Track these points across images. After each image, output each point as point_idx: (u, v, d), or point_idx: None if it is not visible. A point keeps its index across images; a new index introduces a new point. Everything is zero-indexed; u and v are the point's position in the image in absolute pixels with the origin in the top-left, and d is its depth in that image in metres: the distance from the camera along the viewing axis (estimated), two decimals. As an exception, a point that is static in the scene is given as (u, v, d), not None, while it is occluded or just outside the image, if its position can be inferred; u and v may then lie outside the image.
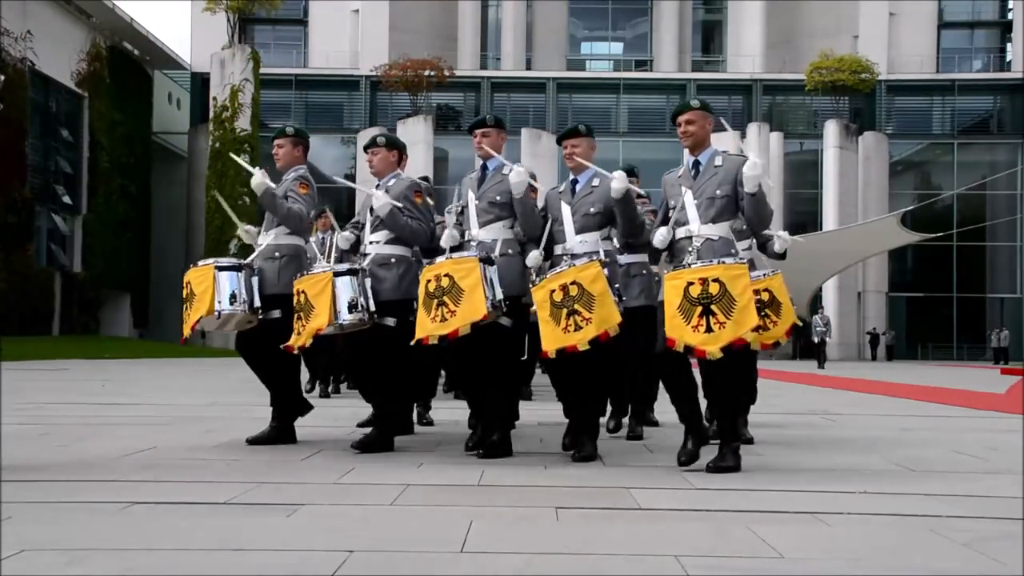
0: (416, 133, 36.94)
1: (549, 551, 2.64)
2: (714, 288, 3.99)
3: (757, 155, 4.43)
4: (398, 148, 5.26)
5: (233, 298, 4.94)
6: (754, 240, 5.44)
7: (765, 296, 4.93)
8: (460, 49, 42.23)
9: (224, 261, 5.08)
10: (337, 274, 4.74)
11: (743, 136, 38.98)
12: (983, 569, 2.52)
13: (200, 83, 38.76)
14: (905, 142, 42.36)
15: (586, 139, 4.85)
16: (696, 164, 4.51)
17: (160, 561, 2.50)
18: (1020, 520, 3.15)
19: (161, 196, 38.55)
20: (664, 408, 6.63)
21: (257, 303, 5.02)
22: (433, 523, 3.05)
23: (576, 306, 4.27)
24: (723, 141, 36.09)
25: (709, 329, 3.97)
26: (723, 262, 4.09)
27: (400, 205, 4.90)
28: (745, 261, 4.17)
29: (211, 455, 4.68)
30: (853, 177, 39.14)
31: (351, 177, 36.46)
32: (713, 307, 3.98)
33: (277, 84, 39.33)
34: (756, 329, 4.82)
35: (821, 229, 36.94)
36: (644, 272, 5.77)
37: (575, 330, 4.27)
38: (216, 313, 4.91)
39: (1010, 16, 43.65)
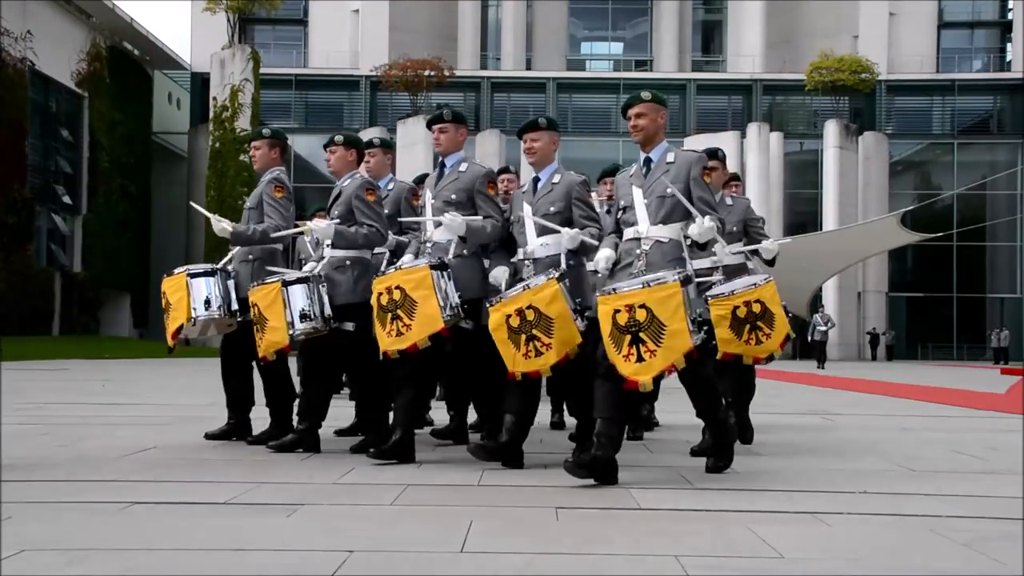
0: (416, 133, 36.93)
1: (549, 551, 2.64)
2: (641, 315, 3.69)
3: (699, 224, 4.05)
4: (356, 147, 5.19)
5: (208, 303, 4.96)
6: (745, 241, 5.37)
7: (756, 308, 4.74)
8: (460, 49, 42.23)
9: (196, 268, 5.11)
10: (286, 283, 4.70)
11: (743, 136, 39.04)
12: (983, 569, 2.52)
13: (200, 83, 38.77)
14: (905, 142, 42.36)
15: (547, 132, 4.62)
16: (647, 161, 4.25)
17: (160, 561, 2.50)
18: (1020, 520, 3.15)
19: (161, 196, 38.56)
20: (663, 407, 6.64)
21: (235, 306, 5.04)
22: (433, 523, 3.05)
23: (534, 331, 4.05)
24: (723, 141, 36.20)
25: (640, 359, 3.69)
26: (648, 285, 3.75)
27: (340, 228, 4.84)
28: (678, 278, 3.76)
29: (211, 455, 4.68)
30: (853, 177, 39.15)
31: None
32: (642, 335, 3.69)
33: (277, 84, 39.34)
34: (747, 342, 4.71)
35: (821, 229, 36.95)
36: None
37: (536, 356, 4.06)
38: (192, 320, 4.93)
39: (1010, 16, 43.65)
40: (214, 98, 35.37)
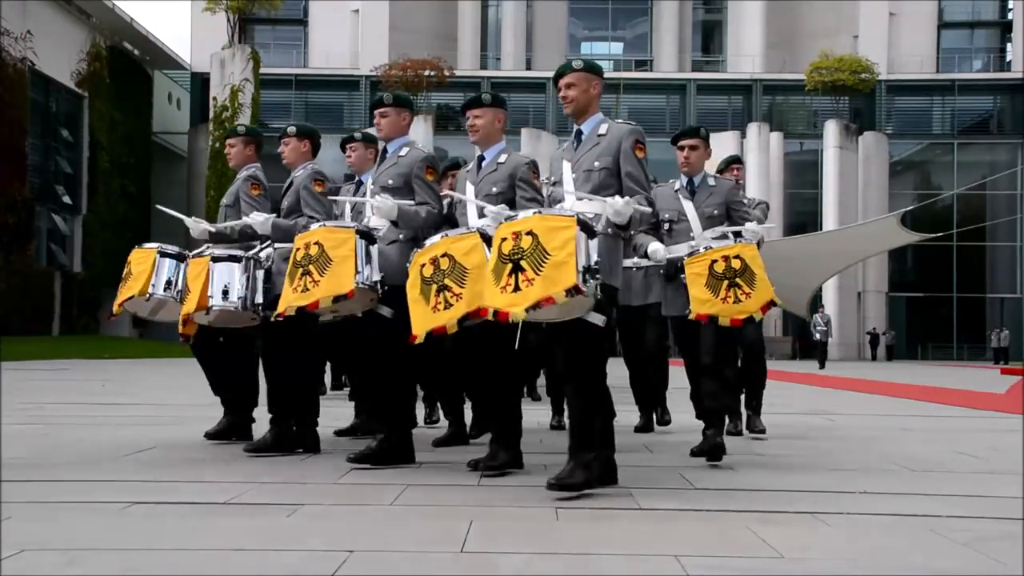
0: (416, 133, 36.95)
1: (549, 551, 2.64)
2: (527, 242, 3.33)
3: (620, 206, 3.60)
4: (309, 138, 5.11)
5: (168, 285, 4.92)
6: (727, 225, 4.97)
7: (736, 264, 4.42)
8: (460, 49, 42.25)
9: (169, 248, 5.06)
10: (216, 259, 4.63)
11: (743, 136, 39.04)
12: (983, 569, 2.52)
13: (200, 83, 38.78)
14: (905, 142, 42.38)
15: (492, 110, 4.34)
16: (579, 134, 3.95)
17: (160, 561, 2.50)
18: (1020, 520, 3.15)
19: (161, 196, 38.41)
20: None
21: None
22: (433, 523, 3.05)
23: (446, 280, 3.71)
24: (723, 141, 36.19)
25: (517, 288, 3.31)
26: (539, 212, 3.45)
27: (276, 221, 4.81)
28: (575, 215, 3.40)
29: (211, 455, 4.68)
30: (853, 177, 39.16)
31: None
32: (523, 263, 3.32)
33: (277, 84, 39.34)
34: (725, 300, 4.39)
35: (821, 229, 36.96)
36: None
37: (444, 308, 3.69)
38: (147, 295, 4.89)
39: (1010, 16, 43.67)
40: (214, 98, 35.36)
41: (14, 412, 6.93)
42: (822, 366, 24.00)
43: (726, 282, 4.42)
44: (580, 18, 45.73)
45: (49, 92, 31.96)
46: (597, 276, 3.40)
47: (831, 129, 39.02)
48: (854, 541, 2.84)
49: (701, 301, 4.48)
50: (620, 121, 3.96)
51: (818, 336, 25.13)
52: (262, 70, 36.40)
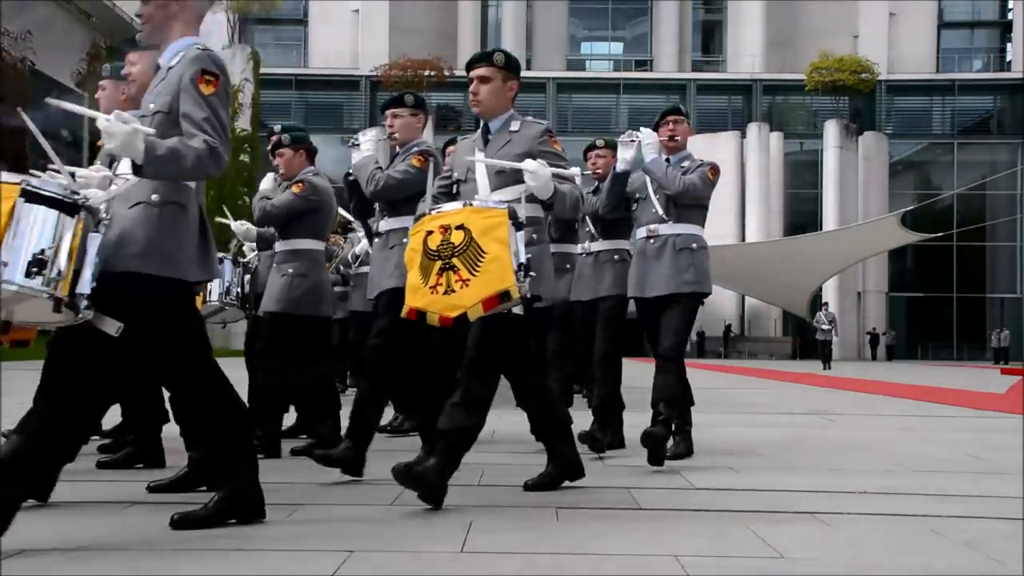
0: (416, 133, 36.99)
1: (549, 551, 2.64)
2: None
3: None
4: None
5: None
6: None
7: (457, 237, 3.12)
8: (460, 49, 42.27)
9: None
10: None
11: (743, 136, 39.07)
12: (983, 569, 2.52)
13: (200, 83, 38.84)
14: (905, 142, 42.43)
15: (143, 53, 3.55)
16: (156, 68, 3.14)
17: (160, 561, 2.49)
18: (1020, 520, 3.15)
19: (161, 196, 38.57)
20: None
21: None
22: (433, 523, 3.04)
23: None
24: (723, 141, 36.22)
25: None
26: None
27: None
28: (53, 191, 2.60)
29: (211, 455, 4.67)
30: (853, 177, 39.20)
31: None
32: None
33: (277, 84, 39.36)
34: (434, 289, 3.14)
35: (821, 229, 37.00)
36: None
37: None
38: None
39: (1010, 16, 43.75)
40: (214, 98, 35.40)
41: (14, 412, 6.92)
42: (826, 366, 23.01)
43: (439, 263, 3.14)
44: (580, 18, 45.78)
45: (49, 92, 32.01)
46: (79, 305, 2.61)
47: (831, 129, 39.07)
48: (854, 541, 2.84)
49: (413, 289, 3.23)
50: (200, 47, 2.98)
51: (821, 336, 24.44)
52: (262, 70, 36.40)
